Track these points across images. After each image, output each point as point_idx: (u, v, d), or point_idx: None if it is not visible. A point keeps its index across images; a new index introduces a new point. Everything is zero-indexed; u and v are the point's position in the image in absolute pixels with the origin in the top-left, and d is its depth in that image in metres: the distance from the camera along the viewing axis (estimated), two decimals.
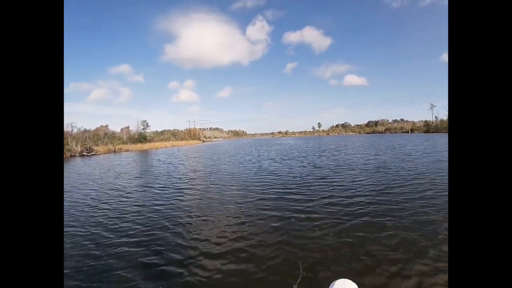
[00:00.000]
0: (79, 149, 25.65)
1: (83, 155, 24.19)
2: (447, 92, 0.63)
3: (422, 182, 8.46)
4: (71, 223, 5.96)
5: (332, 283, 1.80)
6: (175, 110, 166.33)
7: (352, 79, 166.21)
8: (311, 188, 8.49)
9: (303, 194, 7.66)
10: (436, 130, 38.99)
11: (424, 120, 52.07)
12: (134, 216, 6.29)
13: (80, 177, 13.39)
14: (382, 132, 56.55)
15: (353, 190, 7.93)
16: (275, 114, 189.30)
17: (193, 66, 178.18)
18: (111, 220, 6.08)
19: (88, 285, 3.42)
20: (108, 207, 7.24)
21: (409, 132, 47.10)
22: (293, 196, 7.48)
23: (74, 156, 23.97)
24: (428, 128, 43.13)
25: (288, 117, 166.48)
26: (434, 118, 50.00)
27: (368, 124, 74.76)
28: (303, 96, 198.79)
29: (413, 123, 55.36)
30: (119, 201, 7.85)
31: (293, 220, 5.54)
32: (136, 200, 7.86)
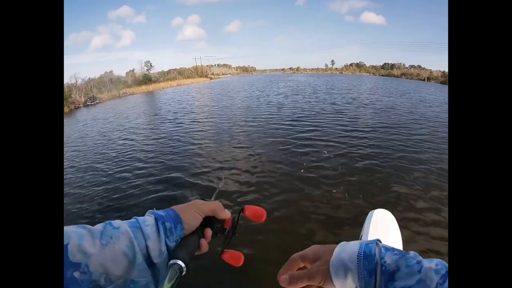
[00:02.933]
0: (82, 99, 25.81)
1: (87, 105, 24.57)
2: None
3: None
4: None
5: (370, 212, 2.13)
6: (181, 48, 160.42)
7: (370, 17, 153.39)
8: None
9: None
10: None
11: (442, 70, 49.25)
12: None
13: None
14: (397, 76, 53.99)
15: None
16: (286, 49, 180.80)
17: (197, 0, 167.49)
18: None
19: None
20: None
21: (425, 80, 44.93)
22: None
23: (78, 107, 24.24)
24: (445, 79, 40.72)
25: (299, 53, 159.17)
26: None
27: (383, 66, 71.01)
28: (316, 31, 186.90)
29: (431, 71, 52.77)
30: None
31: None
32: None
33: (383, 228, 2.01)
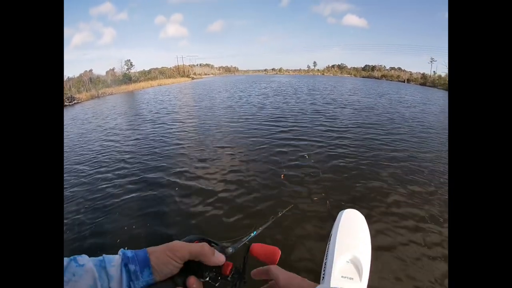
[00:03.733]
0: None
1: (65, 105, 23.59)
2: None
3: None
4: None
5: (340, 212, 2.18)
6: (163, 47, 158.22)
7: (352, 20, 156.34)
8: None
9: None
10: (433, 84, 38.49)
11: (422, 72, 51.01)
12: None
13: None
14: (378, 78, 55.19)
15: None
16: (269, 50, 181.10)
17: None
18: None
19: None
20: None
21: (405, 81, 46.18)
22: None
23: None
24: (425, 81, 42.41)
25: (282, 54, 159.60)
26: (432, 72, 49.76)
27: (364, 68, 72.32)
28: (299, 33, 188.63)
29: (411, 73, 54.55)
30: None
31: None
32: None
33: (351, 228, 2.10)
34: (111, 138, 9.62)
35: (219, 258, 0.57)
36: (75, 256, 0.51)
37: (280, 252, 0.61)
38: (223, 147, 7.50)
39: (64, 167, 6.88)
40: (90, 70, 46.96)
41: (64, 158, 7.72)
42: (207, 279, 0.57)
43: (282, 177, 5.08)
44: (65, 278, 0.46)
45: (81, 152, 8.13)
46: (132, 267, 0.52)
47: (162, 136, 9.17)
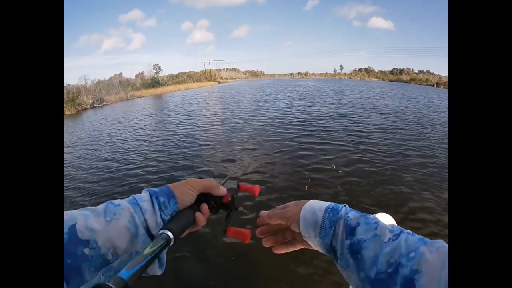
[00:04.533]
0: (90, 101, 26.01)
1: (94, 107, 24.82)
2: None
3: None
4: None
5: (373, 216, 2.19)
6: (190, 52, 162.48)
7: (378, 22, 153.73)
8: None
9: None
10: None
11: None
12: None
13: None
14: (406, 82, 53.27)
15: None
16: (294, 54, 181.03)
17: (206, 4, 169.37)
18: None
19: None
20: None
21: (434, 85, 44.46)
22: None
23: (85, 109, 24.43)
24: None
25: (308, 58, 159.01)
26: None
27: (392, 72, 70.29)
28: (324, 36, 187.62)
29: (440, 77, 52.37)
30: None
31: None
32: None
33: None
34: (140, 138, 10.10)
35: (222, 190, 0.73)
36: (110, 200, 0.59)
37: (259, 187, 0.81)
38: (248, 149, 7.67)
39: (95, 162, 7.26)
40: (120, 74, 48.90)
41: (95, 154, 8.10)
42: (213, 207, 0.73)
43: (306, 189, 5.02)
44: (107, 218, 0.54)
45: (111, 149, 8.56)
46: (161, 199, 0.62)
47: (191, 137, 9.53)
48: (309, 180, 5.22)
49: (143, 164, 6.89)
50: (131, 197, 0.61)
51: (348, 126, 10.20)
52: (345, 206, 0.59)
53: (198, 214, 0.68)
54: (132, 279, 0.46)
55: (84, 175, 6.60)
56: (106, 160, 7.52)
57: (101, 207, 0.57)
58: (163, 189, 0.64)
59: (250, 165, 6.44)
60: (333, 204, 0.61)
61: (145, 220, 0.58)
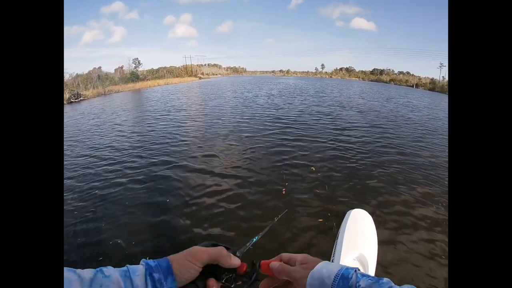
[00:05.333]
0: (67, 96, 24.55)
1: (71, 102, 23.74)
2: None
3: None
4: None
5: (348, 212, 2.24)
6: (172, 47, 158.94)
7: (361, 23, 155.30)
8: None
9: None
10: (441, 90, 38.20)
11: (431, 77, 50.65)
12: None
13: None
14: (386, 82, 54.56)
15: None
16: (277, 52, 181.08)
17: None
18: None
19: None
20: None
21: (414, 86, 45.71)
22: None
23: None
24: (434, 86, 42.10)
25: (290, 55, 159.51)
26: (441, 78, 49.34)
27: (373, 72, 71.78)
28: (307, 35, 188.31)
29: (419, 78, 54.12)
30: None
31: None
32: None
33: (358, 227, 2.10)
34: (118, 133, 9.94)
35: (235, 260, 0.63)
36: (101, 267, 0.54)
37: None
38: (228, 145, 7.80)
39: (72, 158, 7.18)
40: (99, 67, 47.66)
41: (72, 150, 7.92)
42: (224, 280, 0.62)
43: (283, 192, 5.00)
44: None
45: (89, 145, 8.44)
46: (156, 275, 0.55)
47: (170, 133, 9.52)
48: (283, 191, 5.07)
49: (122, 160, 6.87)
50: (125, 268, 0.57)
51: (326, 122, 10.59)
52: (355, 271, 0.55)
53: None
54: None
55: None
56: (83, 156, 7.38)
57: (89, 274, 0.52)
58: (161, 263, 0.58)
59: (230, 160, 6.57)
60: (343, 269, 0.56)
61: None
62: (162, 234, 3.79)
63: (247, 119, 11.45)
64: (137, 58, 55.68)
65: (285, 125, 10.05)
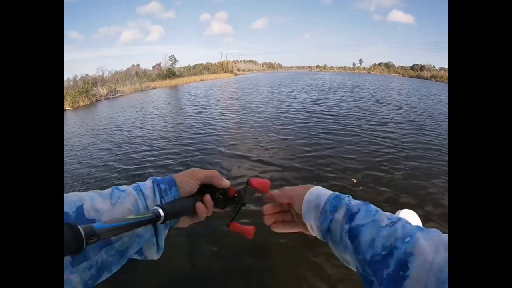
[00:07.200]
0: (104, 91, 26.15)
1: (108, 98, 25.12)
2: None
3: None
4: None
5: (397, 212, 2.20)
6: (208, 44, 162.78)
7: (398, 16, 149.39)
8: None
9: None
10: None
11: None
12: None
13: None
14: (427, 78, 51.25)
15: None
16: (312, 47, 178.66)
17: None
18: None
19: None
20: None
21: None
22: None
23: (100, 100, 24.59)
24: None
25: (326, 51, 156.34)
26: None
27: (413, 67, 67.85)
28: (344, 30, 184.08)
29: None
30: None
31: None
32: None
33: None
34: (151, 127, 10.28)
35: (226, 182, 0.73)
36: (115, 186, 0.63)
37: (269, 183, 0.75)
38: (265, 135, 7.88)
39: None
40: (138, 65, 49.58)
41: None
42: (217, 199, 0.72)
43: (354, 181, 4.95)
44: (112, 201, 0.59)
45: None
46: (162, 186, 0.65)
47: (205, 125, 9.74)
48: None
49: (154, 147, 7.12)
50: (135, 184, 0.66)
51: (365, 119, 10.19)
52: (349, 196, 0.64)
53: (199, 203, 0.68)
54: (103, 232, 0.47)
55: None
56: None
57: (107, 191, 0.61)
58: (166, 178, 0.68)
59: (265, 148, 6.58)
60: (338, 193, 0.65)
61: (147, 206, 0.62)
62: None
63: (281, 112, 11.52)
64: (173, 55, 57.24)
65: (317, 118, 10.06)
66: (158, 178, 0.68)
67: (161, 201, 0.64)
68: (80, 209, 0.54)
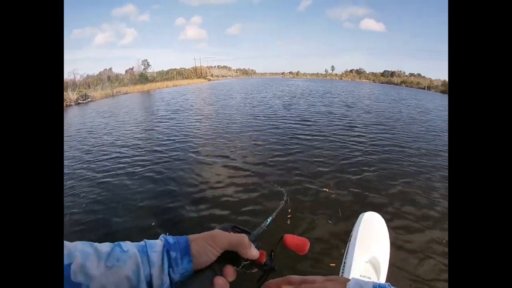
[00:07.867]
0: (74, 97, 24.55)
1: (79, 103, 23.78)
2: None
3: None
4: None
5: (360, 214, 2.24)
6: (182, 49, 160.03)
7: (370, 24, 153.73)
8: None
9: None
10: None
11: (442, 79, 49.79)
12: None
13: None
14: (397, 84, 53.58)
15: None
16: (286, 53, 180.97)
17: (200, 2, 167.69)
18: None
19: None
20: None
21: (425, 88, 44.94)
22: None
23: (70, 105, 23.15)
24: (445, 88, 41.19)
25: (300, 57, 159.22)
26: None
27: (383, 74, 71.01)
28: (317, 37, 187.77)
29: (431, 80, 53.14)
30: None
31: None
32: None
33: (371, 230, 2.09)
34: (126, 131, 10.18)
35: (254, 252, 0.59)
36: (119, 242, 0.54)
37: (309, 243, 0.63)
38: (237, 143, 7.96)
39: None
40: (110, 69, 48.23)
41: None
42: (241, 267, 0.59)
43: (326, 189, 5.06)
44: (108, 264, 0.50)
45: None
46: (173, 254, 0.54)
47: (176, 130, 9.80)
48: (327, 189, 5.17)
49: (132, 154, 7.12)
50: (142, 242, 0.56)
51: (335, 122, 10.63)
52: (389, 285, 0.51)
53: (218, 280, 0.55)
54: None
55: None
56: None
57: (106, 247, 0.53)
58: (180, 240, 0.57)
59: (238, 154, 6.76)
60: (376, 285, 0.51)
61: (150, 275, 0.53)
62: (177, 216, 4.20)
63: (253, 118, 11.77)
64: (146, 60, 56.25)
65: (290, 123, 10.37)
66: (171, 240, 0.57)
67: (169, 272, 0.53)
68: (67, 269, 0.47)
